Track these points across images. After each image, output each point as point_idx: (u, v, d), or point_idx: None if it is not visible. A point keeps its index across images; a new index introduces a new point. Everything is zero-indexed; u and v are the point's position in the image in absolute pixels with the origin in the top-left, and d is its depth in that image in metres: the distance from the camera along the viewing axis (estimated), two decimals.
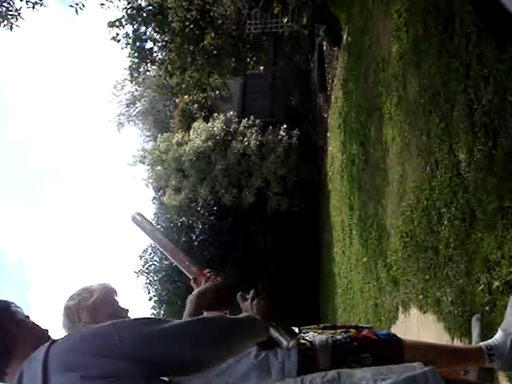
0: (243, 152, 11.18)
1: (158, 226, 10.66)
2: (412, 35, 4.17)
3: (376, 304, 5.18)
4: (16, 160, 62.15)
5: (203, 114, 12.68)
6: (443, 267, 3.12)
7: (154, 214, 12.52)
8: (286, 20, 9.29)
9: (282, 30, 9.83)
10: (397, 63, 4.55)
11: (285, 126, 11.54)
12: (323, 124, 10.75)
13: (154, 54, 8.35)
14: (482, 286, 2.52)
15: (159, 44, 8.27)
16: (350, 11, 7.42)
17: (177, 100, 14.23)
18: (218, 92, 9.31)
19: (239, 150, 11.16)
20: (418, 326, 3.72)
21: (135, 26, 8.00)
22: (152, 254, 11.78)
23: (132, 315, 2.02)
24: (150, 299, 11.73)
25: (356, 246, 6.46)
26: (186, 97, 12.44)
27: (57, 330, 1.89)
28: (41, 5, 6.56)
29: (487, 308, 2.49)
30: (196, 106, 12.99)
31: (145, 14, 7.96)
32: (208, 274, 1.79)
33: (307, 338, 2.08)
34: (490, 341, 2.25)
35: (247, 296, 1.63)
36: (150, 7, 8.03)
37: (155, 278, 11.58)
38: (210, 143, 11.21)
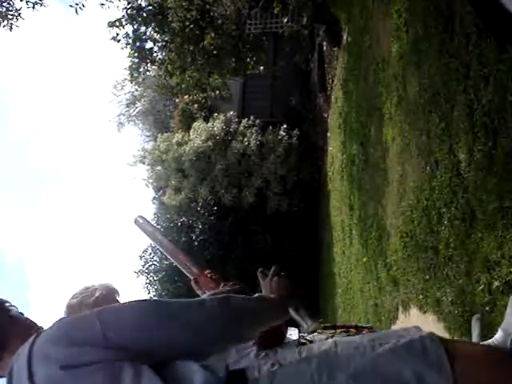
0: (243, 152, 11.18)
1: (158, 226, 10.66)
2: (412, 35, 4.16)
3: (376, 304, 5.18)
4: (16, 160, 62.27)
5: (203, 113, 12.67)
6: (443, 267, 3.12)
7: (154, 214, 12.53)
8: (285, 20, 9.28)
9: (281, 30, 9.81)
10: (397, 63, 4.55)
11: (285, 125, 11.53)
12: (323, 124, 10.74)
13: (154, 54, 8.35)
14: (482, 286, 2.52)
15: (159, 44, 8.27)
16: (350, 11, 7.42)
17: (177, 100, 14.23)
18: (218, 92, 9.30)
19: (239, 149, 11.16)
20: None
21: (135, 26, 8.00)
22: (152, 254, 11.79)
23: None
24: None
25: (356, 245, 6.46)
26: (186, 97, 12.44)
27: None
28: (41, 5, 6.57)
29: (487, 308, 2.49)
30: (196, 105, 12.99)
31: (145, 14, 7.96)
32: (209, 275, 1.79)
33: (307, 337, 2.08)
34: (489, 341, 2.25)
35: (268, 273, 1.55)
36: (150, 7, 8.03)
37: (155, 278, 11.59)
38: (209, 143, 11.21)
